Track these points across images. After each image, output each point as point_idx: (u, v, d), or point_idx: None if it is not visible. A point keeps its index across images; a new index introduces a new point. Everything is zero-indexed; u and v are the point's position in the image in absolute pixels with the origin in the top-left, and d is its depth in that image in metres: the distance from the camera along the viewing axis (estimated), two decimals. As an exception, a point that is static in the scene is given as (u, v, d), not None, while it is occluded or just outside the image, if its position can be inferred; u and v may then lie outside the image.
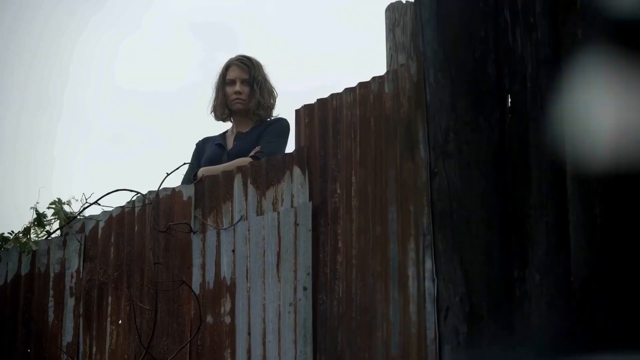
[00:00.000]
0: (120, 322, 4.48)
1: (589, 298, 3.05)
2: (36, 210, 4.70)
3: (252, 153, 4.84)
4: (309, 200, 4.10)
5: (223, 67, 5.17)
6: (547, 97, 3.34)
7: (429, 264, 3.65)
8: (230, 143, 5.09)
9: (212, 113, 5.19)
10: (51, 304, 4.63)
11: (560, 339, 3.17)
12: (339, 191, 4.03)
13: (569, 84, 3.14)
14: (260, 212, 4.22)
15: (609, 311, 2.97)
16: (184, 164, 4.93)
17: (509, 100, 3.44)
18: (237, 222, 4.25)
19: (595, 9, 2.96)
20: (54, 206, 4.69)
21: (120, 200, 4.75)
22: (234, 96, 5.10)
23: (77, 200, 4.69)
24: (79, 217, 4.68)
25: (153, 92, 11.31)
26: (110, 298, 4.52)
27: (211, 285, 4.27)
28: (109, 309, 4.52)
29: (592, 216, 3.06)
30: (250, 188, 4.27)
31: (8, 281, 4.75)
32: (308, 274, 4.03)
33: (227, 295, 4.22)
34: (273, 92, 5.16)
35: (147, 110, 11.19)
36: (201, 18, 11.79)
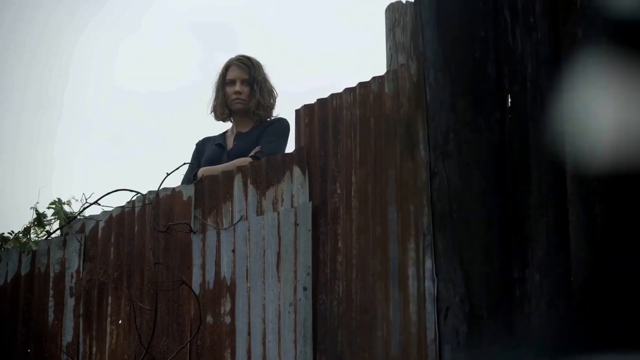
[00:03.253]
0: (120, 322, 4.48)
1: (589, 298, 3.05)
2: (36, 210, 4.70)
3: (252, 153, 4.84)
4: (309, 200, 4.10)
5: (223, 67, 5.17)
6: (547, 97, 3.34)
7: (429, 264, 3.65)
8: (230, 143, 5.09)
9: (212, 113, 5.19)
10: (51, 304, 4.63)
11: (560, 338, 3.17)
12: (339, 191, 4.04)
13: (569, 84, 3.14)
14: (260, 212, 4.22)
15: (609, 311, 2.97)
16: (184, 164, 4.93)
17: (509, 100, 3.44)
18: (237, 222, 4.25)
19: (595, 9, 2.96)
20: (54, 206, 4.69)
21: (120, 200, 4.75)
22: (234, 96, 5.10)
23: (77, 200, 4.69)
24: (79, 217, 4.68)
25: (153, 92, 11.31)
26: (110, 298, 4.52)
27: (211, 285, 4.28)
28: (109, 309, 4.52)
29: (592, 216, 3.06)
30: (250, 188, 4.27)
31: (8, 281, 4.75)
32: (308, 274, 4.03)
33: (227, 295, 4.22)
34: (273, 92, 5.16)
35: (147, 110, 11.18)
36: (201, 18, 11.79)
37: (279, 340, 4.04)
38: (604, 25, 2.87)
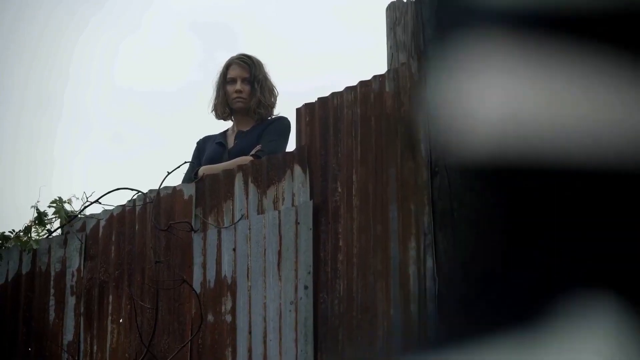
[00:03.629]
0: (121, 320, 4.48)
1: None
2: (37, 209, 4.70)
3: (252, 152, 4.84)
4: (310, 199, 4.10)
5: (224, 66, 5.17)
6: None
7: (429, 263, 3.65)
8: (231, 142, 5.09)
9: (213, 112, 5.19)
10: (52, 302, 4.63)
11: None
12: (339, 190, 4.04)
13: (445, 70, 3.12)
14: (261, 210, 4.22)
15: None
16: (185, 162, 4.92)
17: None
18: (238, 221, 4.25)
19: None
20: (54, 205, 4.69)
21: (121, 199, 4.76)
22: (235, 95, 5.10)
23: (77, 199, 4.69)
24: (79, 215, 4.69)
25: (153, 92, 11.31)
26: (111, 297, 4.52)
27: (212, 284, 4.28)
28: (110, 307, 4.52)
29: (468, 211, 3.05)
30: (251, 187, 4.27)
31: (9, 280, 4.75)
32: (309, 272, 4.03)
33: (228, 294, 4.22)
34: (274, 90, 5.16)
35: (147, 110, 11.18)
36: (201, 18, 11.79)
37: (280, 338, 4.05)
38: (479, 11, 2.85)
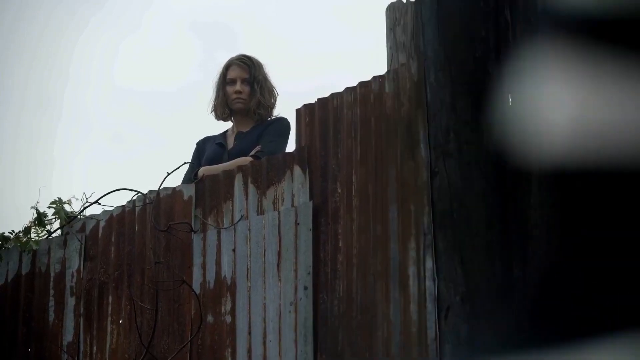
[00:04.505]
0: (120, 321, 4.48)
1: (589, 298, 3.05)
2: (37, 210, 4.70)
3: (252, 152, 4.84)
4: (310, 200, 4.10)
5: (223, 67, 5.17)
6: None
7: (429, 264, 3.65)
8: (230, 142, 5.09)
9: (213, 112, 5.19)
10: (52, 303, 4.63)
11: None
12: (339, 190, 4.04)
13: (521, 78, 3.13)
14: (260, 211, 4.22)
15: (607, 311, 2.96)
16: (185, 163, 4.93)
17: (509, 100, 3.45)
18: (238, 222, 4.25)
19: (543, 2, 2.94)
20: (54, 205, 4.69)
21: (121, 199, 4.75)
22: (235, 95, 5.10)
23: (77, 199, 4.69)
24: (79, 216, 4.69)
25: (153, 92, 11.30)
26: (110, 297, 4.52)
27: (212, 285, 4.28)
28: (110, 308, 4.52)
29: (554, 215, 3.05)
30: (251, 187, 4.27)
31: (9, 280, 4.75)
32: (309, 273, 4.04)
33: (228, 295, 4.22)
34: (273, 91, 5.16)
35: (147, 110, 11.18)
36: (201, 18, 11.79)
37: (280, 339, 4.05)
38: (554, 19, 2.86)
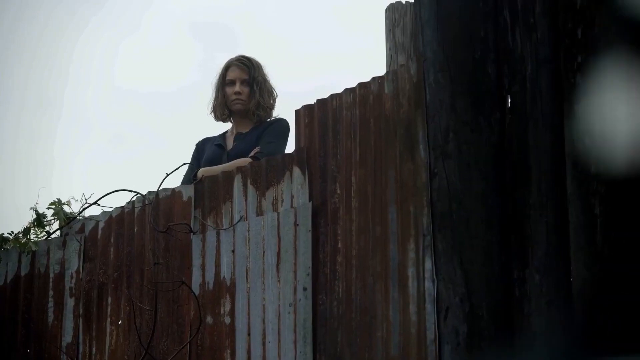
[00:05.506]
0: (120, 322, 4.48)
1: (589, 298, 3.05)
2: (36, 211, 4.70)
3: (251, 153, 4.84)
4: (309, 201, 4.10)
5: (223, 68, 5.16)
6: (547, 97, 3.34)
7: (428, 264, 3.65)
8: (230, 143, 5.09)
9: (212, 113, 5.19)
10: (51, 304, 4.63)
11: (560, 339, 3.17)
12: (338, 191, 4.03)
13: (570, 85, 3.14)
14: (260, 212, 4.22)
15: (609, 312, 2.96)
16: (184, 164, 4.92)
17: (509, 100, 3.44)
18: (237, 223, 4.25)
19: (598, 9, 2.95)
20: (53, 206, 4.69)
21: (120, 200, 4.75)
22: (234, 97, 5.10)
23: (76, 200, 4.69)
24: (78, 217, 4.68)
25: (153, 92, 11.31)
26: (110, 298, 4.52)
27: (211, 286, 4.27)
28: (109, 309, 4.52)
29: (592, 217, 3.06)
30: (250, 188, 4.27)
31: (8, 281, 4.75)
32: (308, 274, 4.03)
33: (227, 296, 4.22)
34: (273, 92, 5.15)
35: (147, 110, 11.19)
36: (201, 18, 11.79)
37: (279, 340, 4.04)
38: (608, 26, 2.87)
